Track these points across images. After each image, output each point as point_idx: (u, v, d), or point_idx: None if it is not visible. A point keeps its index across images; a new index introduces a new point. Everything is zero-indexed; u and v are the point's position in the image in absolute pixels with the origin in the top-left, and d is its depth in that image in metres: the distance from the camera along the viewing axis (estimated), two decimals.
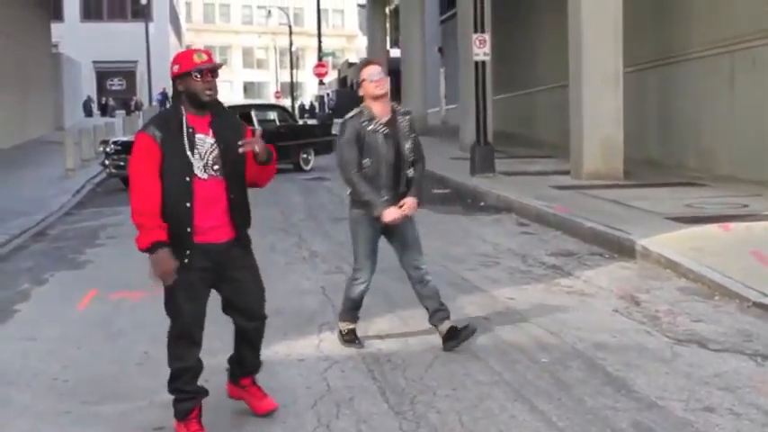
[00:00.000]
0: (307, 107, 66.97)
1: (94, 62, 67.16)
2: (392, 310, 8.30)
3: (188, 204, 5.13)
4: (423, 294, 7.16)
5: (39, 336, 7.90)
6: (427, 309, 7.17)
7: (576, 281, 9.51)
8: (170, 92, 61.21)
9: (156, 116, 5.44)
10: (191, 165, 5.15)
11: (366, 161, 6.81)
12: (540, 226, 13.27)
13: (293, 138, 23.53)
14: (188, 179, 5.13)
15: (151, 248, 5.03)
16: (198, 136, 5.21)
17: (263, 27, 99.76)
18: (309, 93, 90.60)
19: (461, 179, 18.61)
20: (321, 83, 53.68)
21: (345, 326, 7.28)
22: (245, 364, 5.73)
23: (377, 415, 5.68)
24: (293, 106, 64.47)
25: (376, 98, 6.86)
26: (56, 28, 48.75)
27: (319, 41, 54.47)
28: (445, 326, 7.08)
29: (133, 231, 5.29)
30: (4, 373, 6.83)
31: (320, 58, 54.20)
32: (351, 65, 69.14)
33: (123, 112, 54.12)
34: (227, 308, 5.56)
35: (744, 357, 6.72)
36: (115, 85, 70.47)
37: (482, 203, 16.03)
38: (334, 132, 25.70)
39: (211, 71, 5.25)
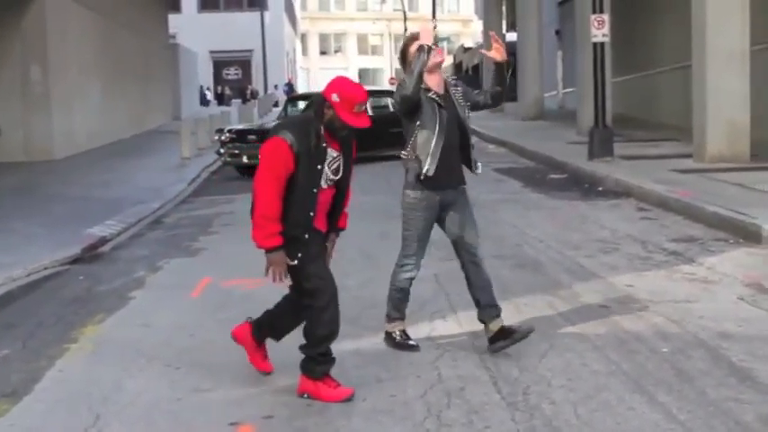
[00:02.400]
0: None
1: (211, 52, 68.21)
2: (506, 298, 8.08)
3: (311, 213, 5.60)
4: (475, 283, 6.68)
5: (153, 322, 7.96)
6: (477, 301, 6.70)
7: (699, 267, 9.16)
8: (296, 81, 61.58)
9: (292, 124, 5.74)
10: (321, 177, 5.60)
11: (419, 123, 6.48)
12: (662, 211, 12.86)
13: None
14: (315, 190, 5.57)
15: (272, 250, 5.50)
16: (328, 150, 5.64)
17: (377, 13, 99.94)
18: None
19: (579, 163, 18.23)
20: None
21: (395, 327, 6.84)
22: (282, 329, 6.22)
23: (488, 405, 5.52)
24: None
25: (430, 71, 6.62)
26: (173, 19, 49.67)
27: (434, 27, 54.33)
28: (496, 324, 6.62)
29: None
30: (118, 359, 6.89)
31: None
32: (466, 50, 68.70)
33: (239, 100, 54.88)
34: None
35: None
36: (231, 75, 71.49)
37: (600, 188, 15.66)
38: None
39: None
